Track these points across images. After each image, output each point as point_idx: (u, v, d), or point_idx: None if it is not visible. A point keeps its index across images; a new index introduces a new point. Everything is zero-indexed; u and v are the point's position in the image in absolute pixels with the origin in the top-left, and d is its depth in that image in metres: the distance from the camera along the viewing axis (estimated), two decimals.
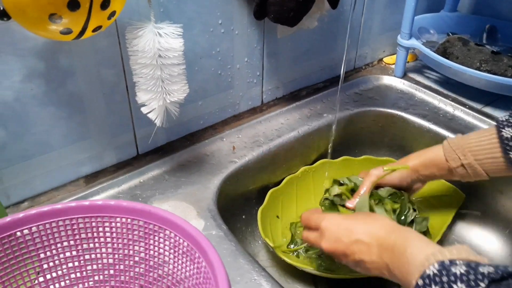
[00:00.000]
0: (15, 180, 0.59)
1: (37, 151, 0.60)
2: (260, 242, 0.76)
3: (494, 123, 0.78)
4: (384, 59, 0.98)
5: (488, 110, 0.82)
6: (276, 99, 0.83)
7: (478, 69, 0.80)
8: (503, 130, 0.56)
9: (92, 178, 0.66)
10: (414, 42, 0.86)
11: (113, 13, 0.50)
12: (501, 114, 0.81)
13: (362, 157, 0.81)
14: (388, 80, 0.92)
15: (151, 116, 0.58)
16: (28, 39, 0.53)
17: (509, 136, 0.56)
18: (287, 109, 0.82)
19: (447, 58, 0.82)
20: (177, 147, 0.72)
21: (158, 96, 0.57)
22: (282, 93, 0.84)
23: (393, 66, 0.94)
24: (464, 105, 0.83)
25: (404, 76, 0.92)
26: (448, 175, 0.62)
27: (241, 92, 0.77)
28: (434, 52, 0.84)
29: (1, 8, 0.47)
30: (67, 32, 0.48)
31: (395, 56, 0.91)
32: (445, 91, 0.87)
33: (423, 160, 0.64)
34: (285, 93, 0.85)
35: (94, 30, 0.50)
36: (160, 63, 0.55)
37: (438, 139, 0.81)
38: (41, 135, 0.59)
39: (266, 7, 0.66)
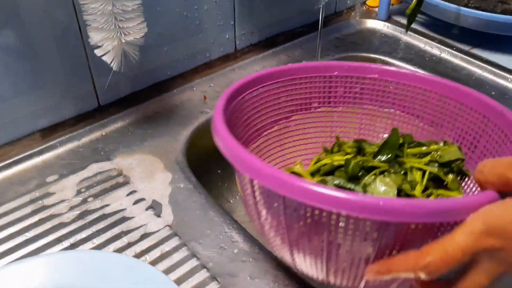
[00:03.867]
0: None
1: None
2: (238, 198, 0.72)
3: (482, 64, 0.74)
4: (367, 2, 0.92)
5: (476, 51, 0.78)
6: (250, 45, 0.78)
7: (466, 6, 0.75)
8: None
9: (49, 131, 0.60)
10: None
11: None
12: (490, 56, 0.76)
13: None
14: (371, 23, 0.86)
15: (106, 58, 0.52)
16: None
17: None
18: (262, 56, 0.76)
19: None
20: (143, 97, 0.66)
21: (112, 35, 0.51)
22: (257, 39, 0.78)
23: (376, 9, 0.88)
24: (451, 47, 0.78)
25: (388, 19, 0.86)
26: None
27: (211, 38, 0.71)
28: None
29: None
30: None
31: None
32: (432, 33, 0.82)
33: None
34: (261, 38, 0.79)
35: None
36: None
37: None
38: None
39: None
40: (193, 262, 0.47)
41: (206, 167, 0.66)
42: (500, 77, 0.72)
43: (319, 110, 0.50)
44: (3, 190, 0.54)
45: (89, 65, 0.60)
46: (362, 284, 0.34)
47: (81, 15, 0.54)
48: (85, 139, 0.60)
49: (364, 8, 0.91)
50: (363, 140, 0.49)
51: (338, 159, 0.44)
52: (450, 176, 0.42)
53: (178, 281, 0.45)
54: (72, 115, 0.62)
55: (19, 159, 0.57)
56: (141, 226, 0.50)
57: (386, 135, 0.49)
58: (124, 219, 0.51)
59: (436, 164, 0.42)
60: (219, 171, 0.71)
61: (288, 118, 0.50)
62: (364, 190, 0.38)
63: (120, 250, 0.48)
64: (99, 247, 0.48)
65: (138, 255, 0.47)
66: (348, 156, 0.44)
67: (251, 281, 0.45)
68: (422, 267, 0.29)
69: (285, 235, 0.34)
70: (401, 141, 0.44)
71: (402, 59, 0.79)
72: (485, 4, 0.74)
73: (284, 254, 0.37)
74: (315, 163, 0.48)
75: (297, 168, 0.46)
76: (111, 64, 0.53)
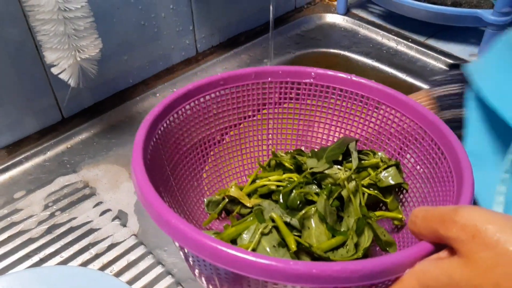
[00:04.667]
0: None
1: None
2: None
3: (436, 55, 0.77)
4: None
5: (431, 42, 0.80)
6: (212, 47, 0.79)
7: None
8: (434, 89, 0.52)
9: (15, 147, 0.61)
10: None
11: None
12: (443, 46, 0.79)
13: None
14: (330, 18, 0.88)
15: (63, 76, 0.54)
16: None
17: (440, 94, 0.52)
18: (224, 57, 0.78)
19: None
20: (106, 107, 0.68)
21: (67, 54, 0.52)
22: (218, 40, 0.79)
23: (336, 3, 0.89)
24: (407, 38, 0.81)
25: (347, 12, 0.88)
26: None
27: (171, 43, 0.72)
28: None
29: None
30: None
31: None
32: (388, 26, 0.84)
33: None
34: (222, 39, 0.80)
35: None
36: (62, 18, 0.49)
37: (382, 77, 0.79)
38: None
39: None
40: (158, 269, 0.49)
41: None
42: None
43: (254, 119, 0.48)
44: None
45: (49, 79, 0.61)
46: None
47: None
48: (50, 153, 0.62)
49: (324, 2, 0.93)
50: (300, 150, 0.48)
51: (275, 179, 0.43)
52: (389, 197, 0.42)
53: None
54: (36, 130, 0.63)
55: None
56: (108, 237, 0.52)
57: (324, 142, 0.49)
58: (91, 231, 0.53)
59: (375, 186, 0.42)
60: None
61: (221, 132, 0.47)
62: (301, 224, 0.37)
63: (87, 262, 0.50)
64: (67, 260, 0.50)
65: (105, 266, 0.50)
66: (287, 176, 0.43)
67: None
68: None
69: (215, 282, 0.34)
70: (342, 150, 0.43)
71: (360, 53, 0.81)
72: None
73: None
74: (253, 181, 0.46)
75: (233, 191, 0.44)
76: (68, 81, 0.54)
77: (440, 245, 0.27)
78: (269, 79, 0.46)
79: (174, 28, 0.71)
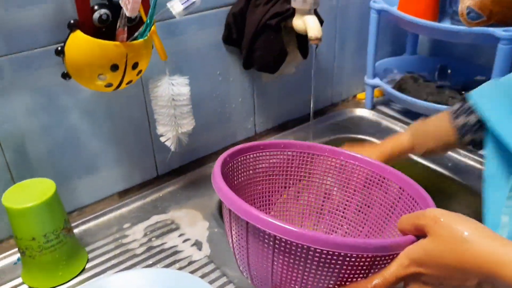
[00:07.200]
0: (68, 193, 0.80)
1: (86, 172, 0.81)
2: None
3: None
4: (358, 95, 1.18)
5: None
6: (266, 129, 1.04)
7: (425, 100, 1.00)
8: (456, 119, 0.67)
9: (124, 193, 0.86)
10: (377, 81, 1.06)
11: (140, 71, 0.72)
12: None
13: None
14: (360, 112, 1.12)
15: (167, 143, 0.79)
16: (83, 91, 0.75)
17: (461, 124, 0.66)
18: (275, 137, 1.02)
19: (402, 93, 1.02)
20: (188, 169, 0.92)
21: (172, 128, 0.78)
22: (271, 125, 1.04)
23: (364, 101, 1.14)
24: None
25: (373, 108, 1.12)
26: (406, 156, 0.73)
27: (237, 125, 0.98)
28: (392, 88, 1.04)
29: (65, 72, 0.69)
30: (109, 85, 0.69)
31: None
32: (405, 119, 1.07)
33: (391, 150, 0.71)
34: (274, 124, 1.05)
35: (127, 83, 0.71)
36: (173, 104, 0.76)
37: None
38: (89, 160, 0.80)
39: (252, 59, 0.87)
40: (223, 279, 0.69)
41: None
42: (455, 152, 0.95)
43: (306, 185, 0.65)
44: (94, 233, 0.79)
45: (153, 147, 0.87)
46: None
47: (150, 114, 0.81)
48: (148, 199, 0.86)
49: (355, 100, 1.18)
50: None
51: None
52: None
53: None
54: (139, 182, 0.88)
55: (104, 212, 0.82)
56: (188, 257, 0.73)
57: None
58: (176, 252, 0.74)
59: None
60: None
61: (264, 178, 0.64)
62: None
63: None
64: None
65: None
66: None
67: None
68: None
69: (269, 268, 0.48)
70: None
71: (382, 138, 1.03)
72: (440, 98, 0.99)
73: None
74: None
75: None
76: (170, 146, 0.79)
77: (418, 237, 0.44)
78: (293, 149, 0.63)
79: (241, 114, 0.97)
